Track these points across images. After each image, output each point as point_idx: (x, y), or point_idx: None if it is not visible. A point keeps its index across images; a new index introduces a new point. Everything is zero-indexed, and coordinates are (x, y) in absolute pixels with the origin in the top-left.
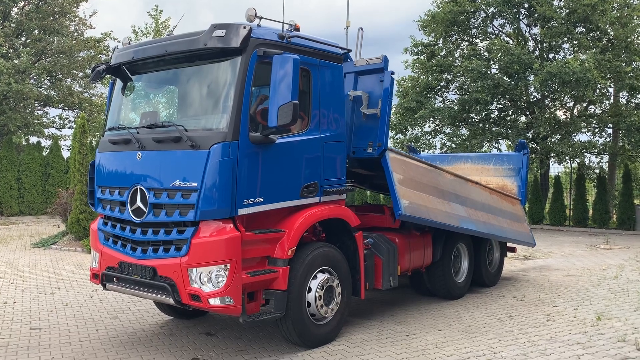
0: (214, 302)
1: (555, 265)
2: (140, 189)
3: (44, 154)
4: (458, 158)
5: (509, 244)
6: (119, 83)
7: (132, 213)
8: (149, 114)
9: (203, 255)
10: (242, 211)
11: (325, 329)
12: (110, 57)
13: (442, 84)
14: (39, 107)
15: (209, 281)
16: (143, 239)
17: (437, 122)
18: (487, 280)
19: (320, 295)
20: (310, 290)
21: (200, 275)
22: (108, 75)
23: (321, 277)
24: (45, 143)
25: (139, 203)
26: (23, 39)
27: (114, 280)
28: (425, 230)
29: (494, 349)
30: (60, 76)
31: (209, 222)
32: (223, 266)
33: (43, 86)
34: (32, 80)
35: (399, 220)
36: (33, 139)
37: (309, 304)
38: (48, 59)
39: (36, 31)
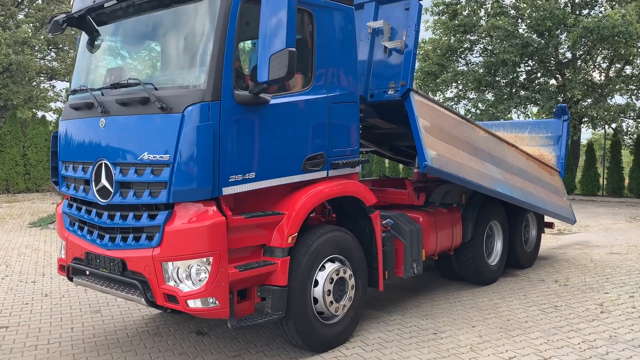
0: (194, 304)
1: (596, 241)
2: (105, 163)
3: (50, 128)
4: (489, 127)
5: (546, 219)
6: (84, 37)
7: (97, 193)
8: (115, 71)
9: (179, 246)
10: (227, 190)
11: (335, 329)
12: (72, 4)
13: (465, 45)
14: (45, 80)
15: (188, 278)
16: (110, 224)
17: (460, 87)
18: (523, 261)
19: (329, 290)
20: (316, 283)
21: (177, 271)
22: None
23: (330, 267)
24: (51, 117)
25: (104, 181)
26: (25, 10)
27: (86, 273)
28: (453, 207)
29: (542, 353)
30: (66, 48)
31: (187, 204)
32: (204, 260)
33: (48, 58)
34: (37, 53)
35: (423, 195)
36: (39, 113)
37: (316, 301)
38: None
39: (39, 0)
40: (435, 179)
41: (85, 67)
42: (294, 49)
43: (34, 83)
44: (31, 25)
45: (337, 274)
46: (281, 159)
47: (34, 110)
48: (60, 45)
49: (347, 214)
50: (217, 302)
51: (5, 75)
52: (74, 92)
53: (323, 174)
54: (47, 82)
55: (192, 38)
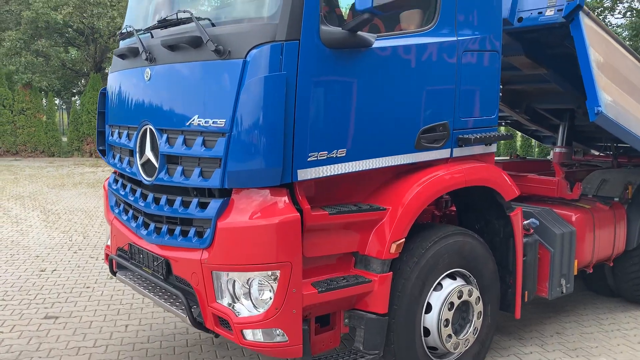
0: (253, 336)
1: None
2: (149, 129)
3: None
4: None
5: None
6: None
7: (141, 168)
8: (166, 5)
9: (235, 251)
10: (305, 174)
11: None
12: None
13: (606, 4)
14: None
15: (246, 297)
16: (155, 210)
17: None
18: None
19: (447, 320)
20: (429, 308)
21: (232, 285)
22: None
23: (450, 286)
24: None
25: (148, 152)
26: None
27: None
28: (616, 202)
29: None
30: None
31: (248, 191)
32: (269, 273)
33: None
34: None
35: (579, 186)
36: None
37: (427, 332)
38: None
39: None
40: (584, 161)
41: (138, 4)
42: None
43: None
44: None
45: (460, 297)
46: (385, 130)
47: None
48: None
49: (473, 208)
50: (285, 335)
51: (111, 39)
52: (123, 36)
53: (445, 152)
54: None
55: None
